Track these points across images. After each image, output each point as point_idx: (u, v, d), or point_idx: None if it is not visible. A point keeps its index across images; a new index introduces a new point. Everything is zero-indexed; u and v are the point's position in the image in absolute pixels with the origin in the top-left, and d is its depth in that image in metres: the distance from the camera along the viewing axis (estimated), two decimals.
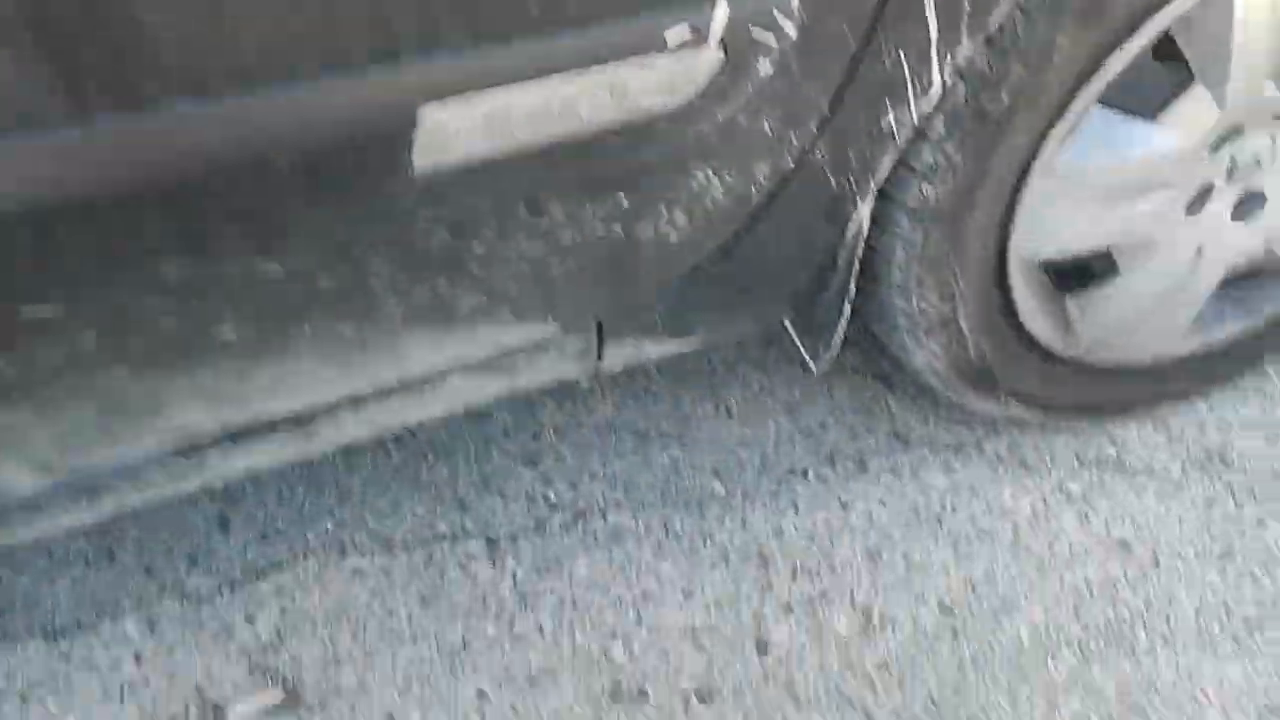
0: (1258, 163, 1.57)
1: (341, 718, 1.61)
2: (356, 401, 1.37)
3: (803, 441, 1.92)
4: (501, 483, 1.88)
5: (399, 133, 1.00)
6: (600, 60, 1.01)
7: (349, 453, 1.93)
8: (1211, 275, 1.69)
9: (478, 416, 1.97)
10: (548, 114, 1.03)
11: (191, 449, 1.31)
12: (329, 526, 1.84)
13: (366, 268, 1.14)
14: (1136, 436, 1.89)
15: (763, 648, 1.66)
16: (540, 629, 1.70)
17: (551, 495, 1.87)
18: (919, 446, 1.91)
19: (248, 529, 1.83)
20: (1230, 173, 1.57)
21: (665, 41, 1.02)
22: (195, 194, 1.01)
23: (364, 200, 1.05)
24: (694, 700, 1.61)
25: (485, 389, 1.45)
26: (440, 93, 0.97)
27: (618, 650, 1.67)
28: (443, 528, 1.83)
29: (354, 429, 1.43)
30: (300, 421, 1.37)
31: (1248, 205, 1.63)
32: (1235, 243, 1.66)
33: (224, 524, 1.84)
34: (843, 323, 1.53)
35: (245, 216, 1.06)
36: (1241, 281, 1.80)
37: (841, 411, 1.96)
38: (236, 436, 1.34)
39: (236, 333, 1.14)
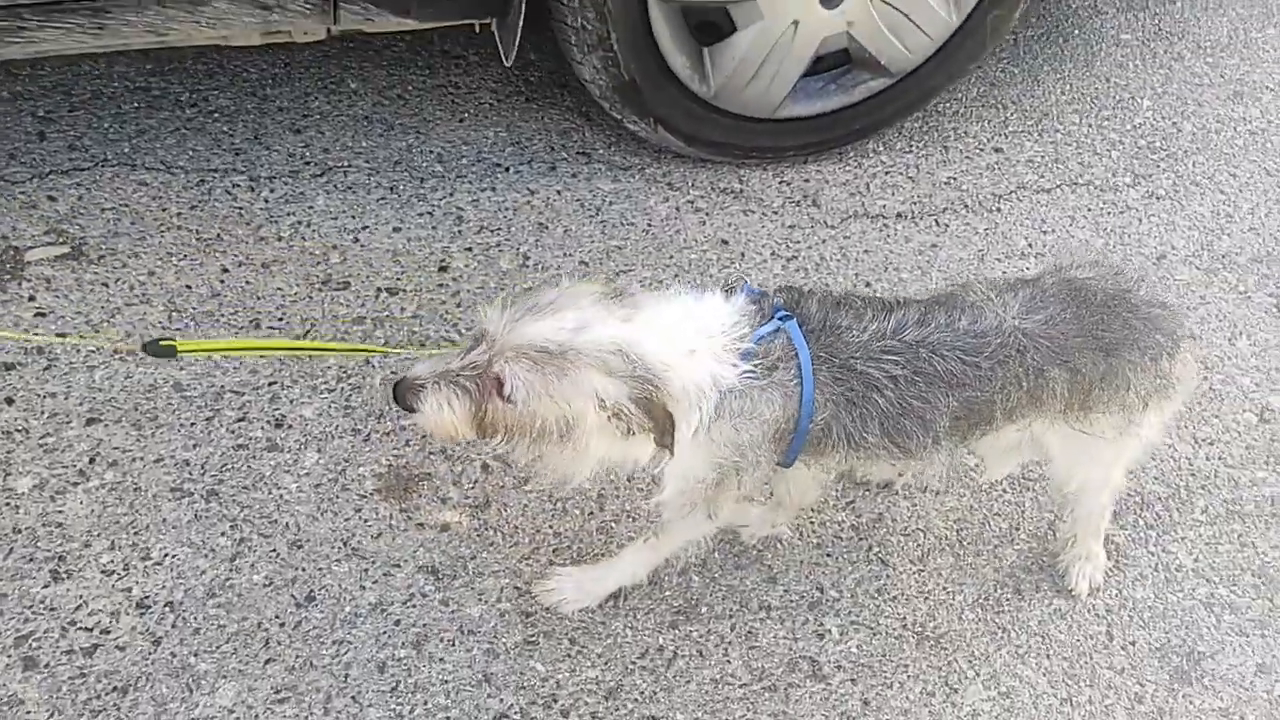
0: None
1: (112, 270, 2.08)
2: (137, 1, 1.82)
3: (512, 148, 2.44)
4: (271, 141, 2.35)
5: None
6: None
7: (150, 101, 2.37)
8: (807, 45, 2.25)
9: (259, 95, 2.43)
10: None
11: (7, 6, 1.75)
12: (125, 149, 2.28)
13: None
14: (758, 178, 2.47)
15: (444, 268, 2.19)
16: (279, 236, 2.19)
17: (308, 155, 2.35)
18: (599, 163, 2.45)
19: (61, 139, 2.27)
20: None
21: None
22: None
23: None
24: (384, 293, 2.13)
25: (245, 18, 1.91)
26: None
27: (335, 257, 2.18)
28: (217, 163, 2.30)
29: (134, 31, 1.87)
30: (98, 11, 1.82)
31: None
32: (823, 23, 2.23)
33: (41, 134, 2.27)
34: (519, 22, 2.04)
35: None
36: (841, 68, 2.38)
37: (548, 132, 2.49)
38: (44, 9, 1.78)
39: None
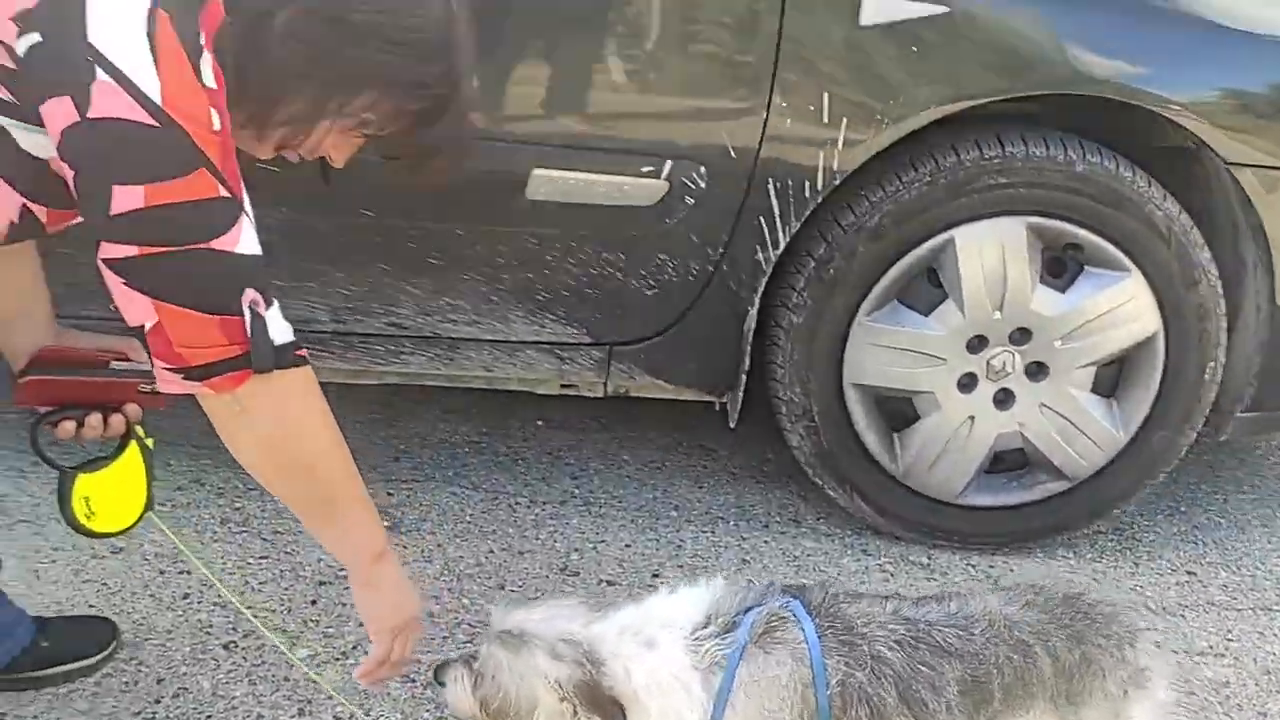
0: (1007, 369, 2.59)
1: (413, 539, 2.69)
2: (479, 344, 2.61)
3: (735, 509, 2.92)
4: (552, 480, 2.99)
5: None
6: (612, 171, 2.31)
7: (477, 450, 3.12)
8: (983, 441, 2.64)
9: (552, 453, 3.12)
10: (588, 190, 2.32)
11: (396, 335, 2.58)
12: (449, 473, 3.00)
13: (496, 250, 2.43)
14: (946, 558, 2.74)
15: (656, 575, 2.61)
16: (537, 537, 2.73)
17: (577, 492, 2.95)
18: (806, 528, 2.85)
19: (409, 461, 3.04)
20: (988, 371, 2.59)
21: (639, 169, 2.31)
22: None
23: (510, 208, 2.36)
24: (604, 583, 2.57)
25: (543, 365, 2.64)
26: (543, 163, 2.30)
27: (575, 555, 2.67)
28: (508, 488, 2.95)
29: (473, 366, 2.64)
30: (453, 345, 2.61)
31: (1004, 398, 2.62)
32: (997, 423, 2.63)
33: (396, 458, 3.06)
34: (740, 391, 2.62)
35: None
36: (1020, 468, 2.72)
37: (768, 503, 2.96)
38: (419, 341, 2.60)
39: (441, 260, 2.44)
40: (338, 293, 2.49)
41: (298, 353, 1.45)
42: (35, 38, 1.24)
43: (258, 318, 1.37)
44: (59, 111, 1.26)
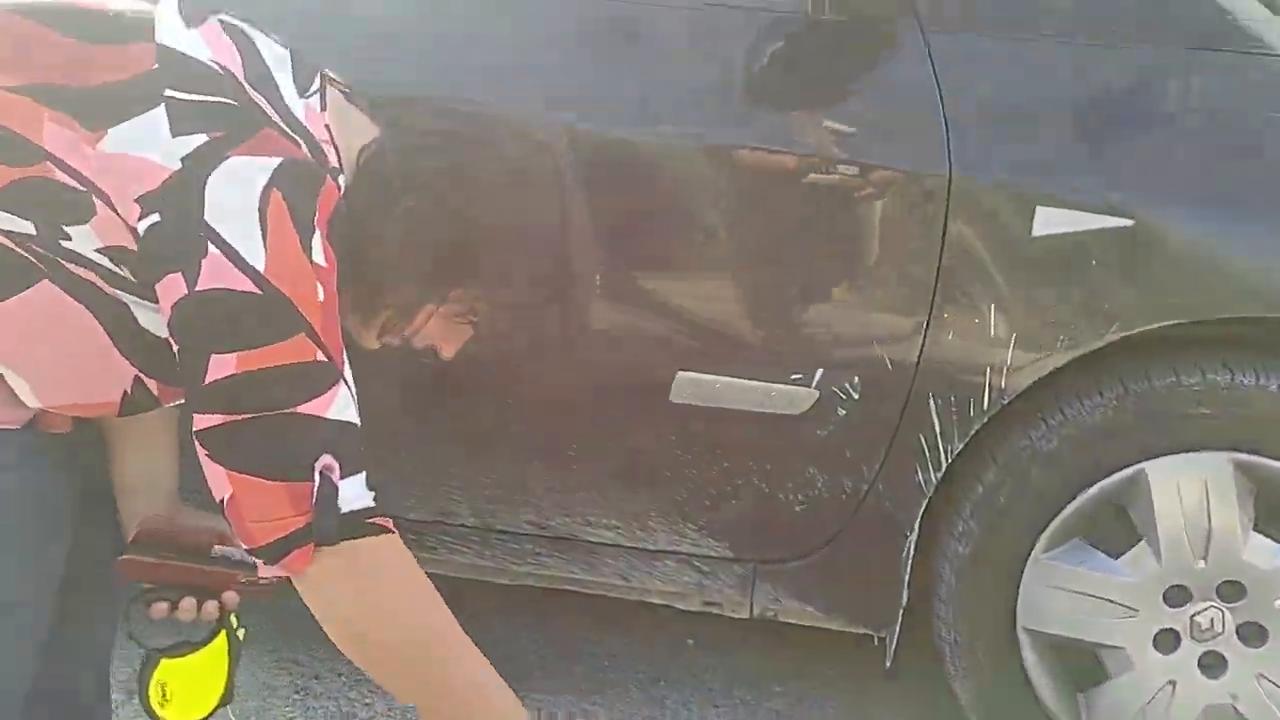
0: (1215, 629, 2.21)
1: None
2: (617, 549, 2.49)
3: None
4: (690, 686, 2.77)
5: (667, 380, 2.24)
6: (759, 377, 2.20)
7: (603, 655, 2.95)
8: (1188, 712, 2.24)
9: (695, 675, 2.91)
10: (732, 395, 2.21)
11: (535, 535, 2.50)
12: (562, 683, 2.84)
13: (637, 452, 2.34)
14: None
15: None
16: None
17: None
18: None
19: (527, 658, 2.90)
20: (1192, 630, 2.23)
21: (788, 376, 2.18)
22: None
23: (652, 409, 2.27)
24: None
25: (682, 578, 2.48)
26: (687, 366, 2.22)
27: None
28: (644, 666, 2.75)
29: (611, 571, 2.51)
30: (591, 550, 2.51)
31: (1212, 663, 2.23)
32: (1205, 692, 2.23)
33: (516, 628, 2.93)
34: (897, 627, 2.36)
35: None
36: None
37: None
38: (557, 541, 2.50)
39: (581, 460, 2.37)
40: (479, 487, 2.45)
41: (373, 520, 1.32)
42: (155, 218, 1.28)
43: (328, 482, 1.28)
44: (171, 287, 1.28)
